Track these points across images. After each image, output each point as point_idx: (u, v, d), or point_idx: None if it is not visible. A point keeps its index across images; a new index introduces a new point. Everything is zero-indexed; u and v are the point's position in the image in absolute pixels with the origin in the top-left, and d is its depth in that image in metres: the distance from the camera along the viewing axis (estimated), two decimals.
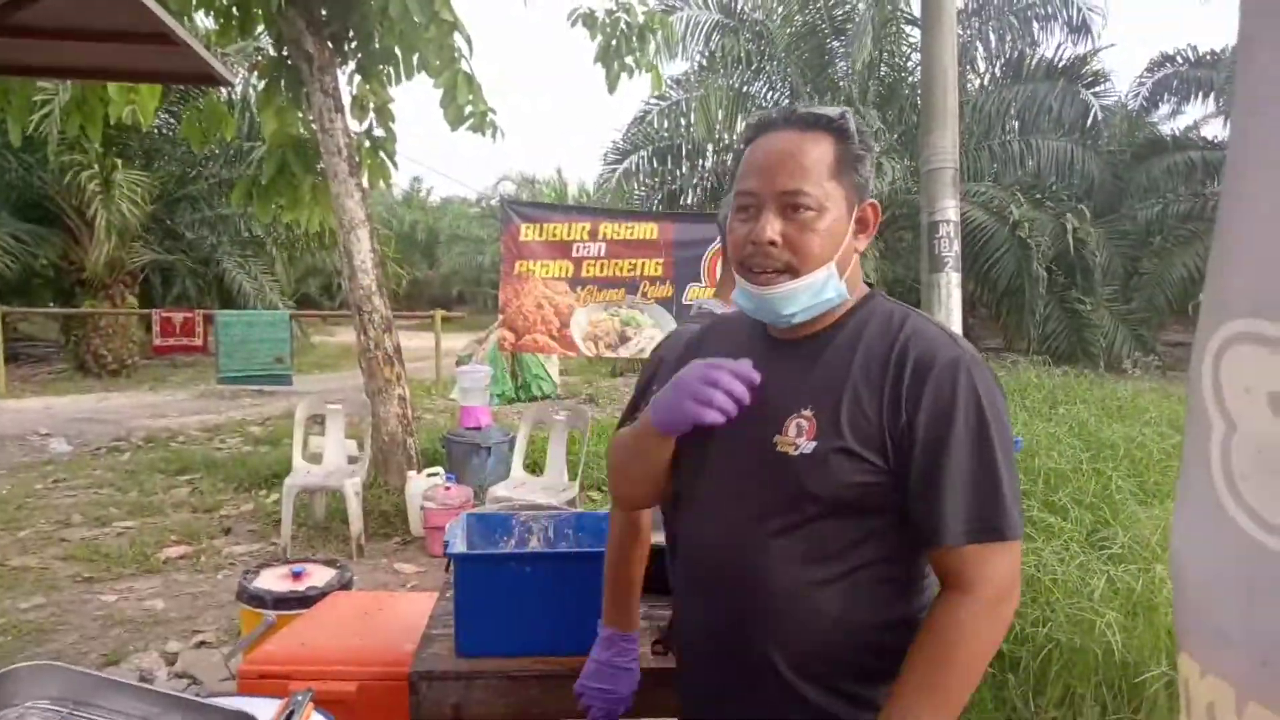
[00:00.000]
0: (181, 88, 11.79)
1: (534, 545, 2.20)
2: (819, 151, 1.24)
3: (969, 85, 14.42)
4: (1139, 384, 9.78)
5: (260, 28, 6.40)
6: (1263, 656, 0.70)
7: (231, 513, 6.12)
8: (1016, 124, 14.41)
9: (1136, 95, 16.28)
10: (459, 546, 2.01)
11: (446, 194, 45.32)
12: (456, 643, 1.94)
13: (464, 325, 20.38)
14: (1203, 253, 12.91)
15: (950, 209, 4.27)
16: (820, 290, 1.25)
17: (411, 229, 34.33)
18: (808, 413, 1.23)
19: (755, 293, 1.27)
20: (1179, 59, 15.64)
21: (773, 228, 1.23)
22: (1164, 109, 16.40)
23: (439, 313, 13.84)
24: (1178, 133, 15.82)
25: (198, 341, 12.06)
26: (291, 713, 1.13)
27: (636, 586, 1.67)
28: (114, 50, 3.33)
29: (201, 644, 3.95)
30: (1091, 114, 14.66)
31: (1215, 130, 15.66)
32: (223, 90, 8.52)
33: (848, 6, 14.40)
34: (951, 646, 1.15)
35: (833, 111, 1.28)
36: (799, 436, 1.22)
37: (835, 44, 14.48)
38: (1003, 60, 14.96)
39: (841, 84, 14.24)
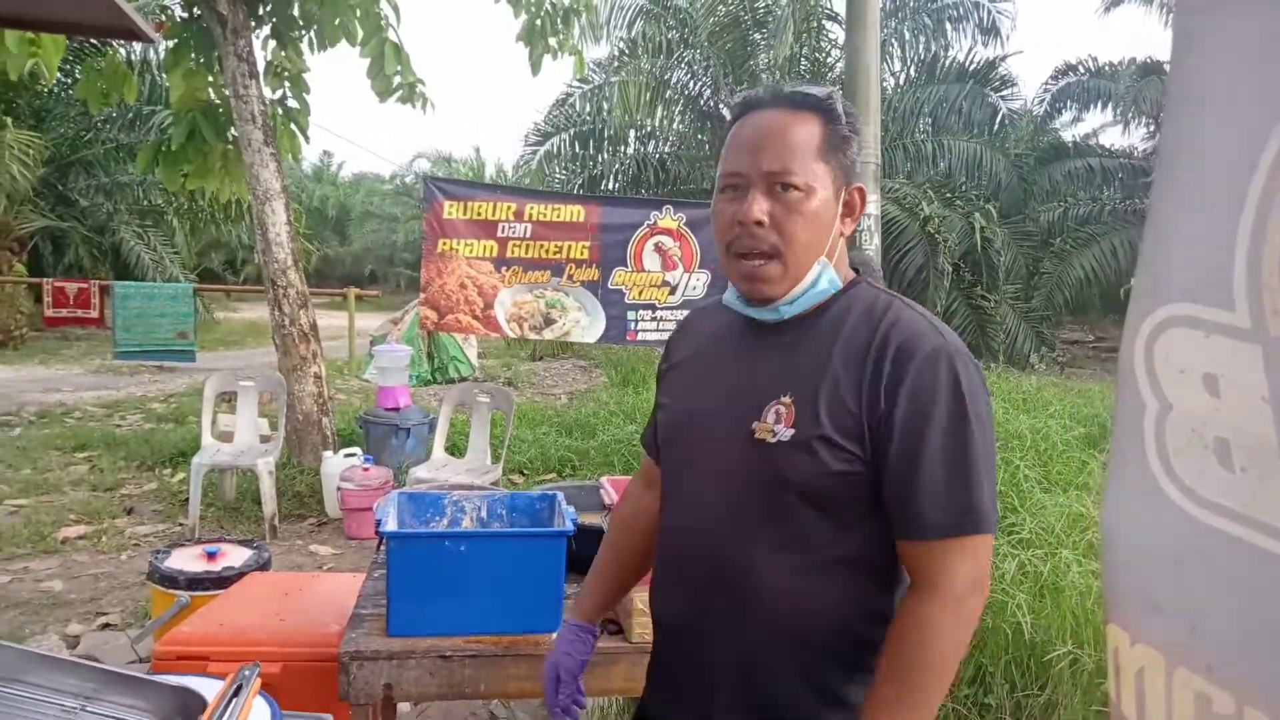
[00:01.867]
0: (75, 43, 11.13)
1: (466, 525, 2.18)
2: (806, 131, 1.21)
3: (885, 84, 14.75)
4: (1041, 378, 10.20)
5: None
6: (1190, 624, 0.75)
7: (134, 491, 5.87)
8: (929, 124, 14.81)
9: (1041, 101, 16.95)
10: (390, 525, 1.99)
11: (359, 169, 44.30)
12: (388, 622, 1.92)
13: (378, 305, 19.90)
14: (1099, 256, 13.55)
15: (872, 203, 4.40)
16: (813, 285, 1.24)
17: (322, 204, 33.37)
18: (787, 399, 1.20)
19: (754, 312, 1.27)
20: (1080, 69, 16.34)
21: (760, 207, 1.20)
22: (1066, 116, 17.14)
23: (353, 290, 13.47)
24: (1078, 139, 16.56)
25: (93, 314, 11.42)
26: (239, 687, 1.10)
27: (619, 569, 1.57)
28: None
29: (106, 626, 3.79)
30: (999, 117, 15.19)
31: (1113, 138, 16.53)
32: (121, 49, 8.09)
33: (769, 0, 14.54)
34: (919, 647, 1.14)
35: (820, 91, 1.25)
36: (777, 423, 1.20)
37: (757, 36, 14.60)
38: (917, 61, 15.35)
39: (763, 76, 14.38)
